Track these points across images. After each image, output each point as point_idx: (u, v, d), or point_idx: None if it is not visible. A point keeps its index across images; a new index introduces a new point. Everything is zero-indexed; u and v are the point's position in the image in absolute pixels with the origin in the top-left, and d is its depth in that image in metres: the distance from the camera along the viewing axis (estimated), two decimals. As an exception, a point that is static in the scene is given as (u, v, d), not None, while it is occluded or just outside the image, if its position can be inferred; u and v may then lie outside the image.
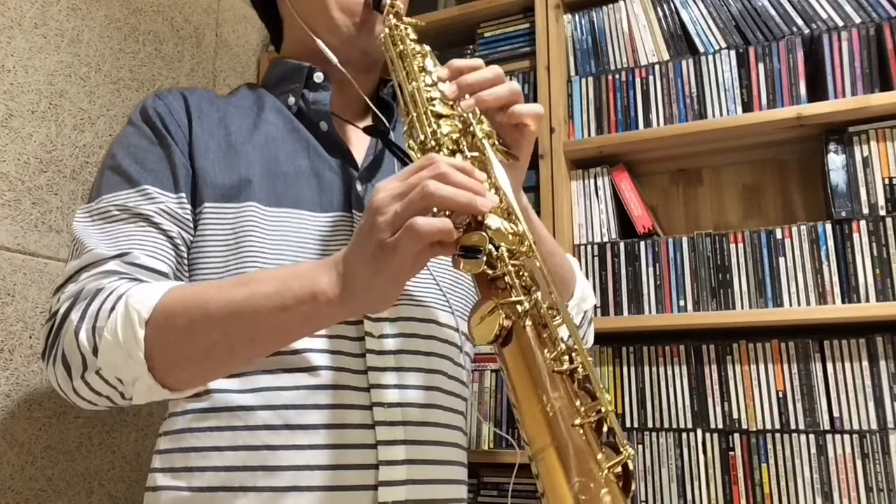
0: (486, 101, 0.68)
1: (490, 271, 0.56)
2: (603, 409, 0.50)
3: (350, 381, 0.74)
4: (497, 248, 0.56)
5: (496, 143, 0.66)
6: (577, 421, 0.50)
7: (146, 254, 0.72)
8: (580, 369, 0.52)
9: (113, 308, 0.65)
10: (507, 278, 0.56)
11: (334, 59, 0.84)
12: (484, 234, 0.56)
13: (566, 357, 0.52)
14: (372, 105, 0.88)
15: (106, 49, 1.34)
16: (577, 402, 0.51)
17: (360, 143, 0.88)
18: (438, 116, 0.67)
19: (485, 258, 0.56)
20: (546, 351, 0.53)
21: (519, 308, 0.54)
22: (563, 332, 0.55)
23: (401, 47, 0.76)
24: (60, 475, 1.16)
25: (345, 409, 0.73)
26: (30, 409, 1.13)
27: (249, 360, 0.70)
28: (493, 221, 0.57)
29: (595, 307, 0.93)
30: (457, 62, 0.71)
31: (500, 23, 1.66)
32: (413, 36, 0.78)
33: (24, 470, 1.10)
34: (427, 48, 0.77)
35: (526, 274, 0.57)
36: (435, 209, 0.58)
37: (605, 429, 0.50)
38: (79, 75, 1.28)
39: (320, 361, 0.73)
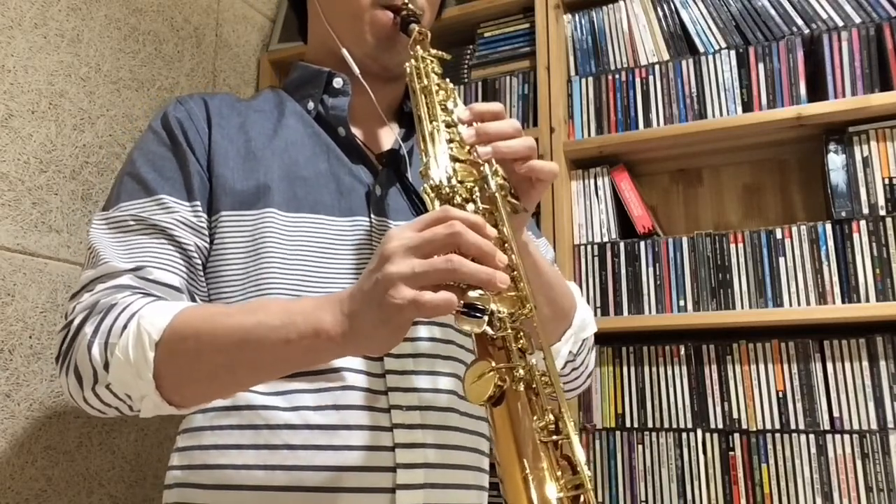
0: (502, 153, 0.69)
1: (490, 332, 0.57)
2: (581, 485, 0.51)
3: (369, 383, 0.75)
4: (499, 311, 0.57)
5: (508, 195, 0.67)
6: (556, 494, 0.51)
7: (159, 268, 0.74)
8: (565, 443, 0.53)
9: (125, 326, 0.67)
10: (505, 340, 0.57)
11: (356, 69, 0.85)
12: (488, 294, 0.57)
13: (553, 426, 0.54)
14: (386, 118, 0.89)
15: (106, 49, 1.34)
16: (559, 473, 0.52)
17: (379, 148, 0.89)
18: (455, 160, 0.68)
19: (486, 319, 0.57)
20: (535, 418, 0.54)
21: (514, 373, 0.56)
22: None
23: (425, 82, 0.77)
24: (60, 475, 1.16)
25: (364, 411, 0.73)
26: (30, 409, 1.13)
27: (253, 385, 0.72)
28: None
29: (595, 331, 0.94)
30: (478, 107, 0.72)
31: (500, 23, 1.66)
32: (438, 70, 0.79)
33: (24, 470, 1.10)
34: (450, 85, 0.78)
35: (523, 337, 0.58)
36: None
37: (581, 502, 0.51)
38: (79, 75, 1.28)
39: (341, 364, 0.74)
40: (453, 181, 0.66)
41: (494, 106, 0.72)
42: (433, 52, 0.81)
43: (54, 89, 1.23)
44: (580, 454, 0.52)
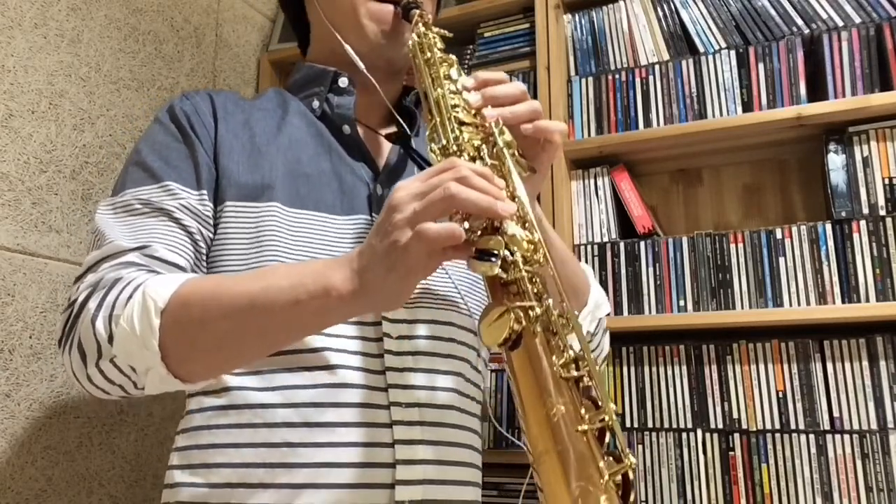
0: (506, 118, 0.69)
1: (503, 275, 0.57)
2: (607, 418, 0.50)
3: (368, 380, 0.75)
4: (512, 254, 0.57)
5: (516, 153, 0.67)
6: (581, 427, 0.50)
7: (165, 247, 0.73)
8: (586, 378, 0.52)
9: (130, 297, 0.66)
10: (519, 284, 0.56)
11: (361, 65, 0.85)
12: (500, 238, 0.57)
13: (573, 365, 0.53)
14: (394, 111, 0.89)
15: (106, 49, 1.34)
16: (582, 410, 0.51)
17: (381, 148, 0.90)
18: (461, 123, 0.68)
19: (499, 262, 0.56)
20: (554, 357, 0.53)
21: (530, 313, 0.55)
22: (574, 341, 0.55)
23: (428, 55, 0.78)
24: (60, 475, 1.16)
25: (363, 408, 0.74)
26: (30, 409, 1.13)
27: (260, 354, 0.71)
28: (510, 228, 0.58)
29: (608, 312, 0.93)
30: (483, 75, 0.72)
31: (500, 23, 1.66)
32: (440, 45, 0.80)
33: (24, 470, 1.10)
34: (453, 58, 0.78)
35: (538, 281, 0.57)
36: (456, 213, 0.58)
37: (608, 438, 0.50)
38: (79, 75, 1.28)
39: (339, 360, 0.74)
40: (460, 140, 0.66)
41: (499, 74, 0.73)
42: (435, 29, 0.82)
43: (54, 89, 1.23)
44: (604, 389, 0.51)
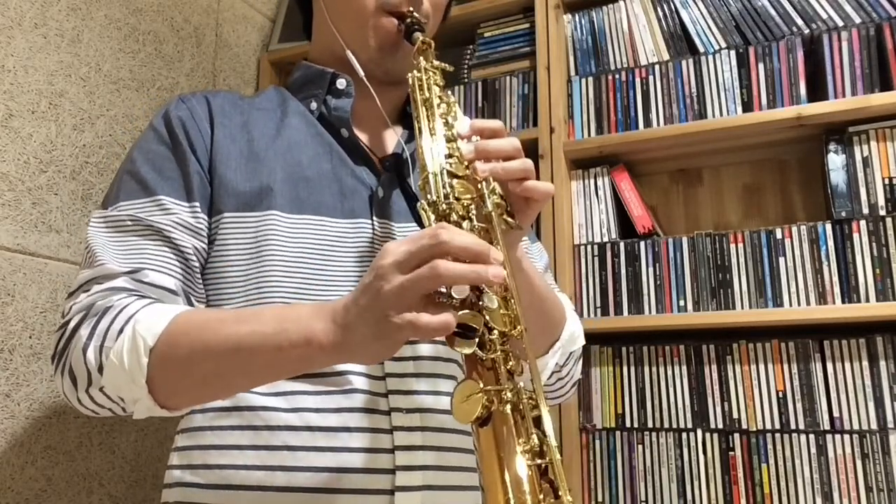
0: (498, 175, 0.69)
1: (480, 353, 0.57)
2: None
3: (370, 386, 0.75)
4: (490, 331, 0.58)
5: (504, 213, 0.68)
6: None
7: (155, 270, 0.74)
8: (549, 466, 0.53)
9: (121, 331, 0.67)
10: (494, 361, 0.57)
11: (361, 73, 0.85)
12: (480, 316, 0.58)
13: (537, 451, 0.54)
14: (389, 120, 0.89)
15: (106, 49, 1.34)
16: (541, 497, 0.52)
17: (382, 150, 0.89)
18: (453, 177, 0.68)
19: (477, 339, 0.57)
20: (521, 440, 0.54)
21: (502, 395, 0.56)
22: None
23: (426, 95, 0.77)
24: (60, 475, 1.16)
25: (364, 414, 0.74)
26: (30, 409, 1.13)
27: (246, 389, 0.73)
28: (491, 302, 0.59)
29: (583, 344, 0.94)
30: (479, 123, 0.72)
31: (500, 23, 1.66)
32: (440, 82, 0.79)
33: (24, 470, 1.10)
34: (452, 98, 0.78)
35: (512, 359, 0.58)
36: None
37: None
38: (79, 75, 1.28)
39: (342, 367, 0.74)
40: (450, 198, 0.66)
41: (494, 123, 0.72)
42: (436, 63, 0.81)
43: (54, 89, 1.23)
44: (563, 479, 0.52)
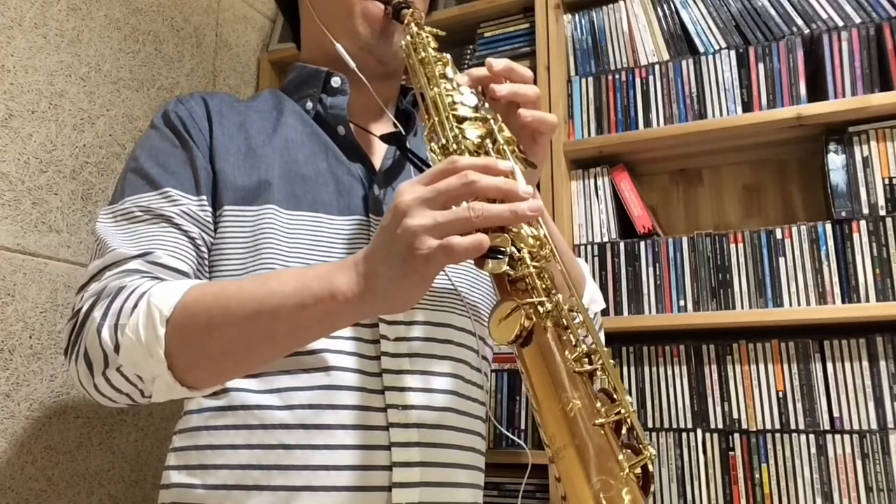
0: (517, 95, 0.69)
1: (511, 272, 0.56)
2: (623, 411, 0.50)
3: (365, 382, 0.75)
4: (519, 251, 0.57)
5: (516, 150, 0.67)
6: (598, 421, 0.50)
7: (168, 253, 0.73)
8: (600, 371, 0.52)
9: (135, 306, 0.66)
10: (528, 280, 0.56)
11: (352, 64, 0.85)
12: (506, 235, 0.57)
13: (586, 359, 0.53)
14: (387, 111, 0.89)
15: (106, 49, 1.34)
16: (598, 403, 0.51)
17: (378, 148, 0.89)
18: (460, 120, 0.68)
19: (507, 259, 0.56)
20: (567, 352, 0.53)
21: (540, 309, 0.55)
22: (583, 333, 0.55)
23: (422, 55, 0.77)
24: (60, 475, 1.16)
25: (360, 411, 0.73)
26: (30, 409, 1.13)
27: (267, 360, 0.70)
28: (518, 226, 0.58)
29: (603, 311, 0.93)
30: (474, 71, 0.73)
31: (500, 23, 1.66)
32: (434, 44, 0.79)
33: (24, 470, 1.10)
34: (447, 56, 0.78)
35: (546, 276, 0.57)
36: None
37: (624, 430, 0.50)
38: (79, 75, 1.28)
39: (337, 362, 0.74)
40: (460, 138, 0.66)
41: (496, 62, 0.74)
42: (428, 28, 0.81)
43: (54, 89, 1.23)
44: (618, 381, 0.51)
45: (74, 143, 1.25)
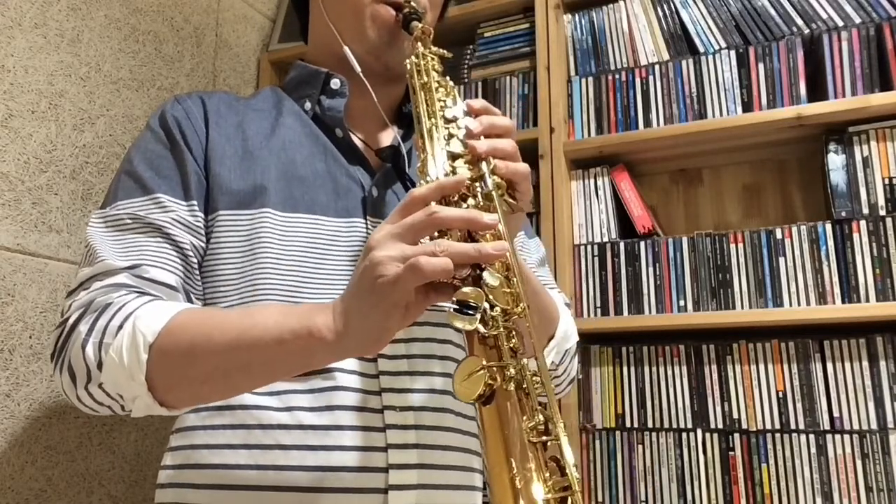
0: (494, 152, 0.68)
1: (482, 330, 0.56)
2: (570, 486, 0.50)
3: (363, 384, 0.74)
4: (492, 308, 0.57)
5: (505, 193, 0.67)
6: (542, 495, 0.50)
7: (156, 266, 0.73)
8: (554, 443, 0.52)
9: (121, 327, 0.67)
10: (497, 339, 0.56)
11: (357, 68, 0.85)
12: (481, 291, 0.57)
13: (543, 428, 0.53)
14: (387, 119, 0.89)
15: (106, 49, 1.34)
16: (547, 475, 0.51)
17: (378, 148, 0.89)
18: (453, 158, 0.68)
19: (479, 316, 0.56)
20: (525, 418, 0.53)
21: (505, 372, 0.55)
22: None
23: (425, 79, 0.77)
24: (60, 475, 1.16)
25: (357, 412, 0.73)
26: (30, 409, 1.13)
27: (245, 390, 0.71)
28: (492, 279, 0.58)
29: (577, 341, 0.93)
30: (477, 102, 0.72)
31: (500, 23, 1.66)
32: (439, 68, 0.79)
33: (24, 470, 1.10)
34: (450, 83, 0.77)
35: (515, 335, 0.57)
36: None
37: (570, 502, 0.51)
38: (79, 75, 1.28)
39: (335, 365, 0.74)
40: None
41: (484, 104, 0.72)
42: (434, 49, 0.81)
43: (54, 89, 1.23)
44: (569, 456, 0.51)
45: (74, 143, 1.25)
